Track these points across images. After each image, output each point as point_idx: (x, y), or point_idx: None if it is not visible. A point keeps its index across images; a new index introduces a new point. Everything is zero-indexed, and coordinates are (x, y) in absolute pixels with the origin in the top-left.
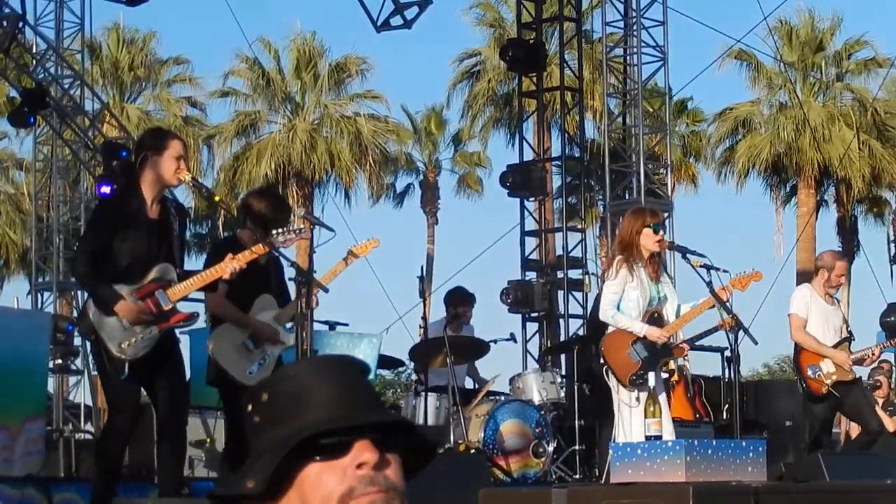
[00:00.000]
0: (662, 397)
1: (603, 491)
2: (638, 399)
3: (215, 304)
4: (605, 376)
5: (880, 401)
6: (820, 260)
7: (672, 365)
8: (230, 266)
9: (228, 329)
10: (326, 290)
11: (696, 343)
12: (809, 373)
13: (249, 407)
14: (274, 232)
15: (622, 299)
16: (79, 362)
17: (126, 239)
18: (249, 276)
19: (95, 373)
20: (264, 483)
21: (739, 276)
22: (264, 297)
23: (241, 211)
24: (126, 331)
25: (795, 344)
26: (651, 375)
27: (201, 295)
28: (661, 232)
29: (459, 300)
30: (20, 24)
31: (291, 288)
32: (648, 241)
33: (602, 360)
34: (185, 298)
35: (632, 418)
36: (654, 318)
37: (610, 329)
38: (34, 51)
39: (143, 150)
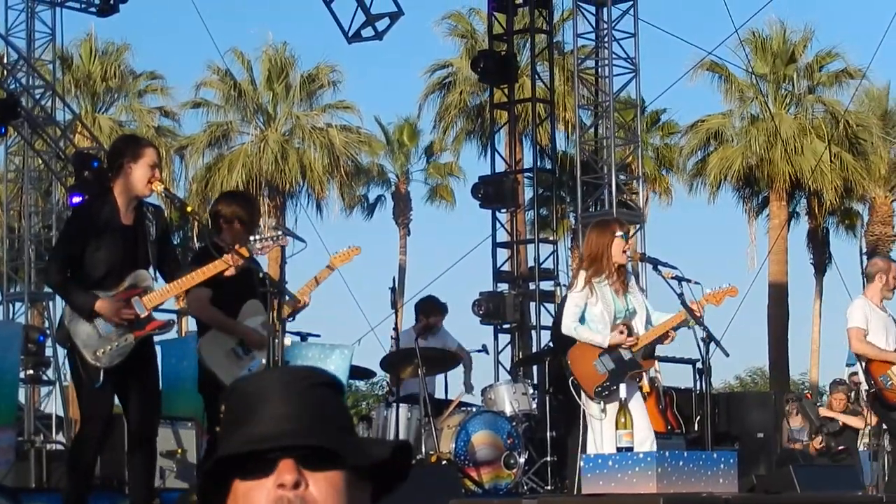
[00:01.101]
0: (639, 404)
1: (574, 502)
2: (604, 411)
3: (201, 311)
4: (572, 388)
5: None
6: (873, 266)
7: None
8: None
9: (217, 335)
10: (306, 306)
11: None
12: (883, 383)
13: (221, 416)
14: (251, 238)
15: (585, 313)
16: (50, 373)
17: (99, 247)
18: (236, 282)
19: (68, 382)
20: (201, 499)
21: (714, 291)
22: (252, 302)
23: (215, 218)
24: (101, 339)
25: (859, 356)
26: (622, 387)
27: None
28: (628, 243)
29: (431, 309)
30: None
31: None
32: (617, 251)
33: (569, 373)
34: (159, 308)
35: (602, 431)
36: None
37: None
38: (5, 61)
39: (119, 157)
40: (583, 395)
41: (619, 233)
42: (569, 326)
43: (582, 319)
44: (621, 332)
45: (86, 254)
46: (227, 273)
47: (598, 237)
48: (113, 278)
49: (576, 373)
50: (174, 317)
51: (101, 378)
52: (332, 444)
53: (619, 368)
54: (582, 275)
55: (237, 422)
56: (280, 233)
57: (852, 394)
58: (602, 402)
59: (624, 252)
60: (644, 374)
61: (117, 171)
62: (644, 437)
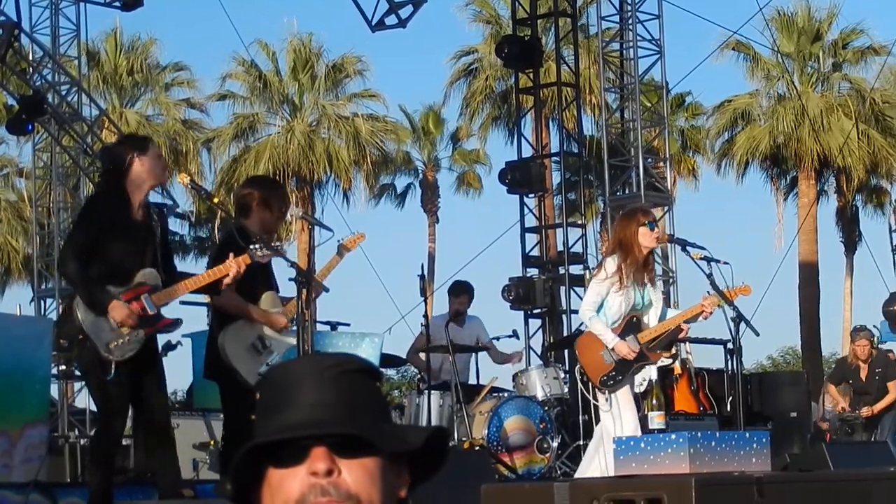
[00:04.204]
0: (626, 392)
1: (605, 484)
2: (609, 401)
3: (228, 302)
4: (579, 376)
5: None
6: None
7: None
8: (230, 270)
9: (240, 328)
10: (327, 290)
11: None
12: None
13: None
14: (252, 246)
15: (605, 302)
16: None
17: (113, 241)
18: (253, 274)
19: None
20: (234, 488)
21: (729, 289)
22: (270, 294)
23: (242, 202)
24: (114, 332)
25: None
26: (653, 369)
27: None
28: (657, 229)
29: (454, 291)
30: (16, 32)
31: (291, 288)
32: (646, 239)
33: (577, 360)
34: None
35: (608, 418)
36: (633, 322)
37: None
38: (31, 58)
39: (126, 154)
40: (588, 383)
41: (644, 220)
42: (585, 313)
43: (599, 308)
44: (629, 346)
45: (98, 246)
46: (229, 278)
47: (624, 225)
48: (124, 273)
49: (583, 361)
50: (204, 308)
51: (113, 371)
52: (364, 432)
53: (625, 360)
54: (611, 262)
55: (271, 409)
56: (281, 243)
57: (874, 339)
58: (607, 392)
59: (656, 238)
60: (674, 359)
61: (128, 167)
62: (633, 427)
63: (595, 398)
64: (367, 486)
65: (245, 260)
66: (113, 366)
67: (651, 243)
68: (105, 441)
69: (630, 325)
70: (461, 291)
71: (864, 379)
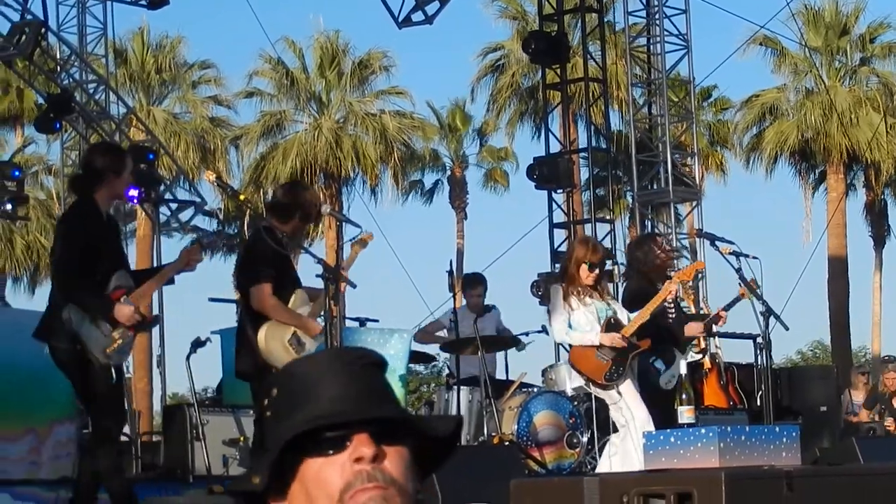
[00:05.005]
0: (631, 388)
1: (634, 478)
2: (619, 392)
3: (263, 303)
4: (587, 387)
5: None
6: None
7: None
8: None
9: (276, 328)
10: (354, 286)
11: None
12: None
13: (264, 402)
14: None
15: (571, 321)
16: (123, 370)
17: (94, 252)
18: (285, 273)
19: (131, 374)
20: (266, 479)
21: (681, 270)
22: (299, 292)
23: (291, 207)
24: (107, 337)
25: None
26: (682, 363)
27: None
28: (596, 271)
29: (470, 285)
30: (43, 30)
31: (319, 285)
32: (584, 275)
33: (577, 372)
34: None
35: (623, 412)
36: (612, 324)
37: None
38: (58, 57)
39: (105, 171)
40: (593, 388)
41: (588, 259)
42: (560, 335)
43: (571, 327)
44: (613, 333)
45: (83, 258)
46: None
47: (571, 254)
48: (102, 280)
49: (583, 370)
50: (233, 305)
51: (114, 375)
52: (412, 418)
53: (619, 353)
54: (557, 290)
55: (297, 402)
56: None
57: None
58: (614, 386)
59: (590, 278)
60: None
61: (102, 182)
62: (645, 430)
63: (607, 398)
64: (404, 473)
65: (196, 251)
66: (113, 370)
67: (588, 282)
68: (109, 449)
69: (610, 327)
70: (476, 283)
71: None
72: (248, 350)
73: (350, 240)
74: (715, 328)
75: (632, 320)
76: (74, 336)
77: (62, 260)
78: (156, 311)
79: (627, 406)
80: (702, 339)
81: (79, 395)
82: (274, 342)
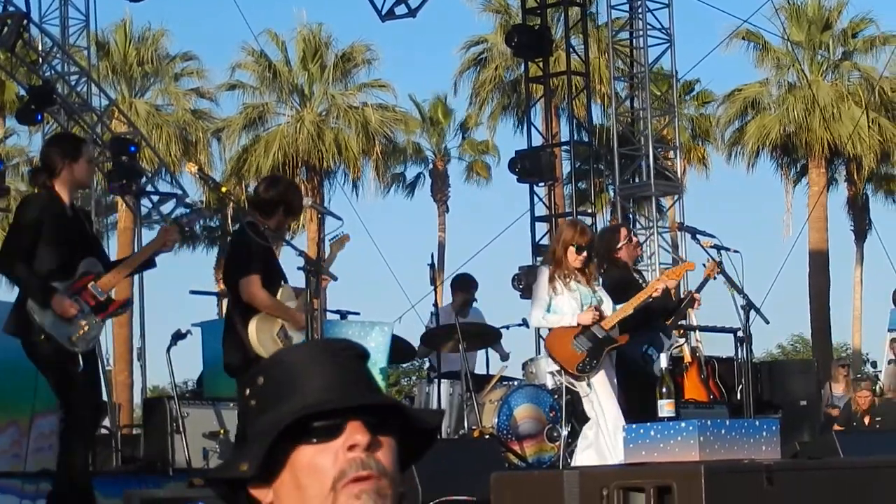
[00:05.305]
0: (609, 390)
1: (614, 472)
2: (590, 385)
3: (254, 296)
4: (559, 376)
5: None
6: None
7: (685, 347)
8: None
9: (266, 319)
10: (335, 278)
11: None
12: None
13: (247, 391)
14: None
15: (553, 306)
16: (99, 359)
17: (52, 240)
18: (271, 268)
19: (110, 367)
20: (257, 466)
21: (672, 268)
22: (286, 287)
23: (274, 202)
24: (73, 325)
25: None
26: (663, 357)
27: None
28: (584, 253)
29: (465, 285)
30: (25, 22)
31: (301, 277)
32: (571, 258)
33: (552, 360)
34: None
35: (593, 406)
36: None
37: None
38: (40, 48)
39: (58, 160)
40: (567, 377)
41: (576, 241)
42: (537, 319)
43: (549, 311)
44: (592, 310)
45: (39, 246)
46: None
47: (558, 239)
48: (67, 268)
49: (557, 357)
50: (214, 298)
51: (82, 363)
52: (404, 406)
53: (595, 346)
54: (545, 271)
55: (285, 390)
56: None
57: (876, 386)
58: (587, 379)
59: (580, 261)
60: (684, 345)
61: (59, 171)
62: (615, 426)
63: (578, 388)
64: (393, 464)
65: (173, 230)
66: (80, 358)
67: (576, 264)
68: (81, 441)
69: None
70: (471, 286)
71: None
72: (237, 344)
73: (330, 238)
74: (694, 319)
75: (614, 313)
76: (40, 328)
77: (6, 241)
78: (136, 303)
79: (598, 401)
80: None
81: (52, 387)
82: (263, 335)
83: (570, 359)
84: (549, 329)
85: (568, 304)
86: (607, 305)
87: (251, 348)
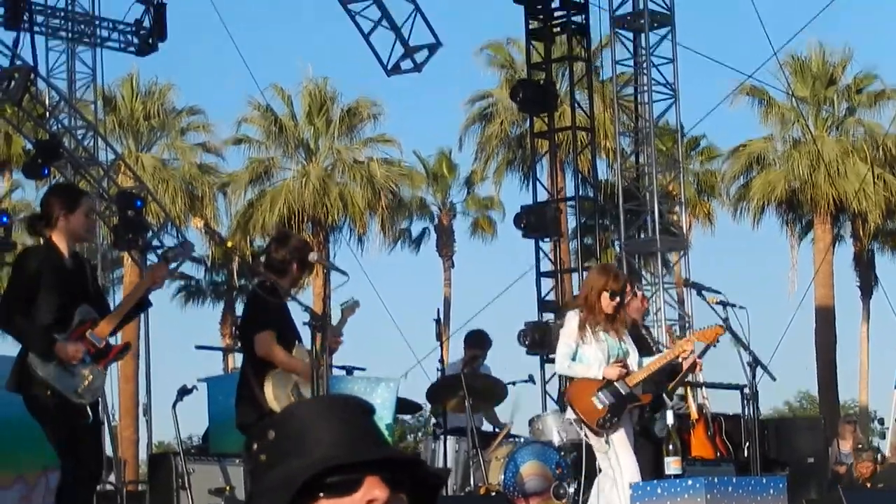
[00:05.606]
0: (627, 443)
1: None
2: (608, 442)
3: (270, 351)
4: (576, 425)
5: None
6: None
7: (692, 403)
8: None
9: (282, 375)
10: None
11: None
12: None
13: (255, 446)
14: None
15: (579, 354)
16: (100, 412)
17: (51, 292)
18: (286, 326)
19: (116, 422)
20: None
21: (703, 329)
22: (300, 347)
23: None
24: (76, 376)
25: None
26: (669, 414)
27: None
28: (617, 299)
29: (478, 342)
30: (32, 76)
31: (306, 333)
32: (605, 304)
33: (571, 409)
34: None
35: (611, 461)
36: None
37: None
38: (47, 102)
39: (55, 210)
40: (585, 429)
41: (610, 287)
42: (562, 365)
43: (574, 358)
44: (618, 366)
45: (38, 298)
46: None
47: (592, 282)
48: (65, 319)
49: (577, 408)
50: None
51: (90, 414)
52: (422, 462)
53: (618, 402)
54: (573, 316)
55: (297, 445)
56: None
57: (877, 457)
58: (605, 435)
59: (613, 307)
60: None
61: (55, 222)
62: (631, 478)
63: (594, 443)
64: None
65: (162, 267)
66: (89, 410)
67: (608, 310)
68: (83, 488)
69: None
70: (484, 343)
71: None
72: (251, 401)
73: (342, 304)
74: (701, 376)
75: (641, 370)
76: (44, 382)
77: (4, 295)
78: (142, 358)
79: (616, 456)
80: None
81: (52, 441)
82: (279, 391)
83: (592, 413)
84: (572, 378)
85: (595, 354)
86: (633, 358)
87: (266, 404)
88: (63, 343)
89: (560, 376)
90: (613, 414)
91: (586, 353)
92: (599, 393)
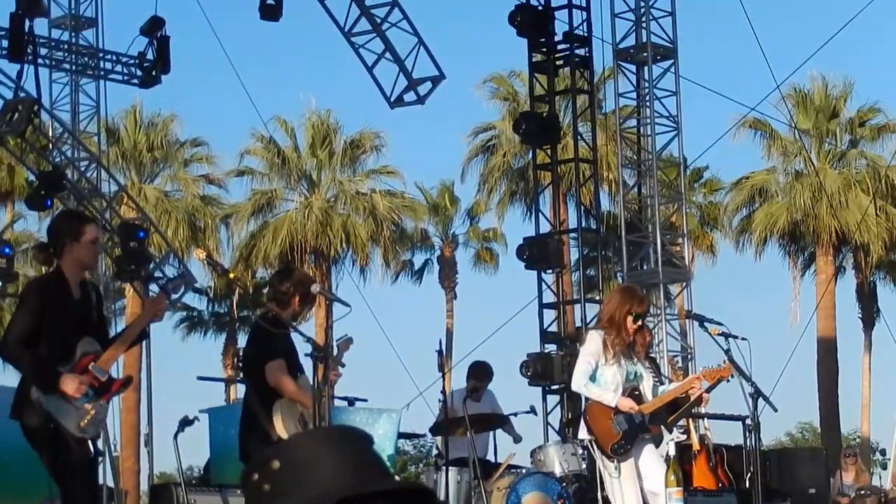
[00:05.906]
0: (630, 466)
1: None
2: (618, 469)
3: (278, 380)
4: (591, 447)
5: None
6: None
7: (694, 434)
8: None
9: (288, 407)
10: (343, 366)
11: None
12: None
13: (256, 476)
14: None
15: (598, 374)
16: (100, 443)
17: (57, 323)
18: (290, 358)
19: (118, 453)
20: None
21: (710, 369)
22: (304, 377)
23: (289, 295)
24: (79, 410)
25: None
26: (671, 444)
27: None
28: (640, 322)
29: (480, 374)
30: (36, 108)
31: (308, 364)
32: (629, 325)
33: (587, 430)
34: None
35: (614, 488)
36: (634, 396)
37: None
38: (50, 134)
39: (61, 237)
40: (598, 451)
41: (635, 310)
42: (579, 383)
43: (593, 378)
44: (632, 400)
45: (42, 330)
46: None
47: (618, 304)
48: (69, 352)
49: (594, 429)
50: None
51: (93, 448)
52: (431, 491)
53: (631, 429)
54: (596, 335)
55: (303, 475)
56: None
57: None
58: (616, 461)
59: (634, 330)
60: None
61: (61, 250)
62: (657, 490)
63: (604, 465)
64: None
65: (160, 298)
66: (91, 444)
67: (631, 333)
68: None
69: (632, 398)
70: (485, 375)
71: None
72: (259, 433)
73: (338, 339)
74: (703, 407)
75: (653, 401)
76: (46, 414)
77: (9, 326)
78: (143, 389)
79: (621, 486)
80: (689, 420)
81: (50, 472)
82: (287, 421)
83: (608, 436)
84: (589, 398)
85: (613, 378)
86: (647, 383)
87: (275, 433)
88: (67, 377)
89: (565, 403)
90: (627, 441)
91: (605, 375)
92: (616, 417)
